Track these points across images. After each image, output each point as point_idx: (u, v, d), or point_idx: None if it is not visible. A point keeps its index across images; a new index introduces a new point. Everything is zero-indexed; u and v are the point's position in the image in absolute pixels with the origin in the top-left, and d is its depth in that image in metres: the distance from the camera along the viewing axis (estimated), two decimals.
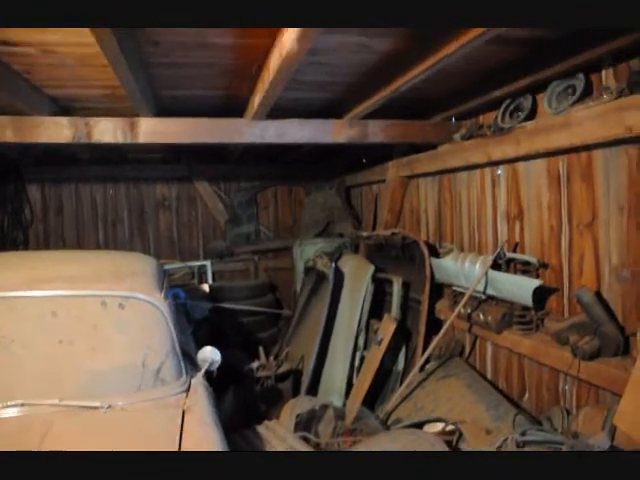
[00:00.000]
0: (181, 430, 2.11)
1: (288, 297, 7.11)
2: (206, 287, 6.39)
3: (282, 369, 4.50)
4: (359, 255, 5.72)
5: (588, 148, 3.23)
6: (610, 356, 3.05)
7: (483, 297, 4.03)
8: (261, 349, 4.71)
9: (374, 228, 6.32)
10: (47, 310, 2.48)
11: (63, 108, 4.13)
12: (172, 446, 1.98)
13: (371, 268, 4.83)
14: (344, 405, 4.17)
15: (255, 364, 4.42)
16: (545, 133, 3.36)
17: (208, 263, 7.04)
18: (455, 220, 4.85)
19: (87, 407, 2.20)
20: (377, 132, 4.31)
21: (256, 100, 3.57)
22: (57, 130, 3.85)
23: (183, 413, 2.28)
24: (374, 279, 4.81)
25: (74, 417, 2.16)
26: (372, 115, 4.11)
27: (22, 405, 2.16)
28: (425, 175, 5.28)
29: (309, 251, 6.47)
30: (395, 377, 4.57)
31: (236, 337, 5.84)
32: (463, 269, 4.12)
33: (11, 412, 2.15)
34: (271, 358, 4.77)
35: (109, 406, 2.23)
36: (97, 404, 2.21)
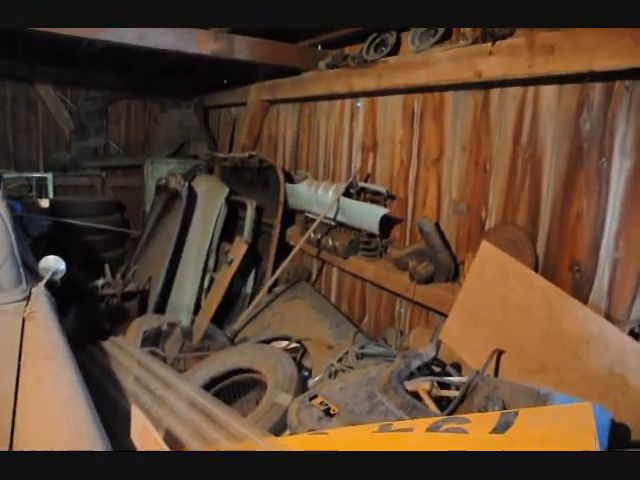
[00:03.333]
0: (21, 336, 2.00)
1: (136, 217, 6.83)
2: (46, 202, 5.94)
3: (129, 288, 4.38)
4: (214, 177, 5.63)
5: (442, 89, 3.42)
6: (442, 281, 3.37)
7: (333, 224, 4.20)
8: (107, 267, 4.52)
9: (230, 152, 6.23)
10: None
11: None
12: (13, 351, 1.86)
13: (225, 190, 4.80)
14: (192, 324, 4.19)
15: (100, 282, 4.25)
16: (405, 69, 3.49)
17: (49, 176, 6.50)
18: (312, 148, 4.93)
19: None
20: (243, 49, 4.19)
21: None
22: None
23: (23, 320, 2.15)
24: (228, 201, 4.79)
25: None
26: (240, 31, 3.98)
27: None
28: (286, 101, 5.28)
29: (161, 171, 6.25)
30: (244, 299, 4.66)
31: (78, 256, 5.54)
32: (316, 196, 4.24)
33: None
34: (117, 276, 4.61)
35: None
36: None
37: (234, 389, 3.25)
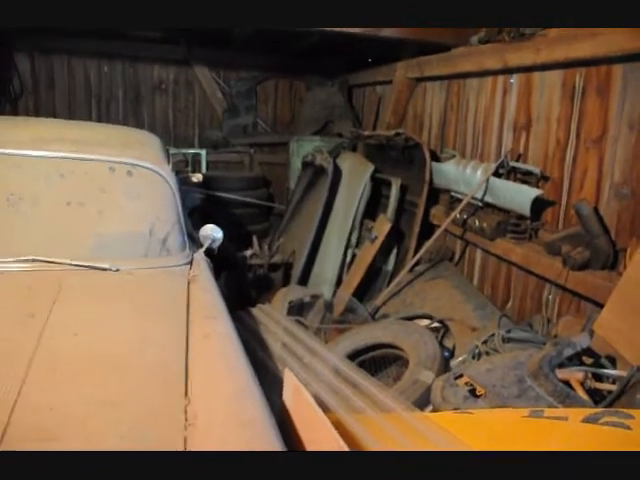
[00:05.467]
0: (188, 296, 2.18)
1: (281, 193, 7.11)
2: (199, 176, 6.35)
3: (274, 259, 4.59)
4: (358, 154, 5.68)
5: (610, 61, 3.17)
6: (598, 269, 3.15)
7: (480, 204, 4.08)
8: (254, 238, 4.77)
9: (374, 130, 6.24)
10: (55, 171, 2.47)
11: None
12: (181, 309, 2.04)
13: (371, 167, 4.84)
14: (333, 297, 4.30)
15: (248, 252, 4.49)
16: (568, 41, 3.27)
17: (203, 152, 6.96)
18: (460, 127, 4.80)
19: (96, 268, 2.24)
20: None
21: None
22: None
23: (188, 283, 2.34)
24: (372, 179, 4.83)
25: (83, 277, 2.20)
26: None
27: (33, 261, 2.19)
28: (434, 79, 5.17)
29: (306, 148, 6.42)
30: (384, 276, 4.69)
31: (227, 227, 5.88)
32: (464, 175, 4.14)
33: (22, 266, 2.18)
34: (265, 247, 4.84)
35: (117, 269, 2.27)
36: (106, 266, 2.25)
37: (374, 363, 3.31)
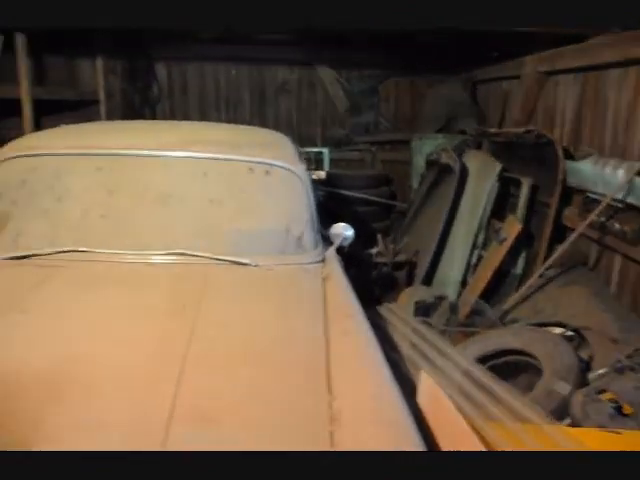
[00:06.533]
0: (324, 293, 2.22)
1: (402, 191, 7.07)
2: (322, 174, 6.47)
3: (399, 258, 4.57)
4: (484, 152, 5.51)
5: None
6: None
7: (620, 206, 3.81)
8: (379, 236, 4.78)
9: (500, 127, 6.03)
10: (199, 170, 2.62)
11: None
12: (318, 305, 2.09)
13: (498, 166, 4.67)
14: (458, 299, 4.21)
15: (374, 250, 4.51)
16: None
17: (326, 150, 7.10)
18: (597, 123, 4.50)
19: (238, 263, 2.35)
20: None
21: None
22: None
23: (323, 280, 2.38)
24: (500, 178, 4.66)
25: (226, 270, 2.32)
26: None
27: (181, 254, 2.34)
28: (567, 72, 4.89)
29: (428, 146, 6.32)
30: (512, 279, 4.51)
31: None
32: (602, 174, 3.89)
33: (172, 259, 2.34)
34: (390, 245, 4.83)
35: (257, 265, 2.37)
36: (247, 261, 2.35)
37: (503, 370, 3.19)
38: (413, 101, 7.89)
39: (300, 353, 1.77)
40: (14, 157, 2.64)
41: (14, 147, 2.75)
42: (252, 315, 1.98)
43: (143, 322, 1.86)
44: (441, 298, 3.93)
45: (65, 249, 2.35)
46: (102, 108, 6.57)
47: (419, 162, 6.26)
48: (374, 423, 1.46)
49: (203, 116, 7.72)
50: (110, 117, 6.55)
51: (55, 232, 2.49)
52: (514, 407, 2.23)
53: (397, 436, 1.41)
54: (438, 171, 5.16)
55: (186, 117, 7.65)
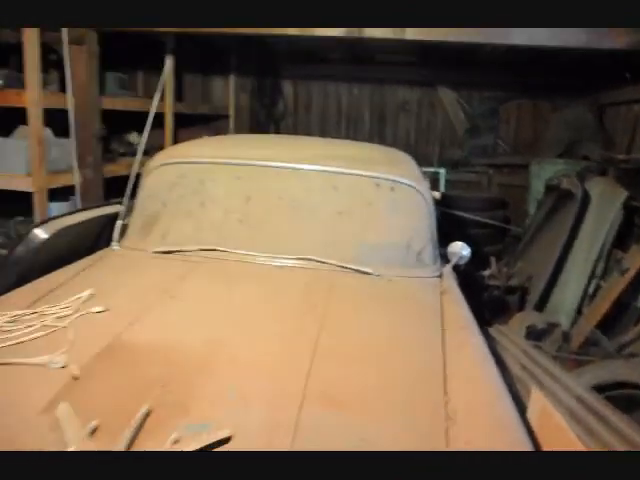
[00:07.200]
0: (441, 306, 2.34)
1: (517, 215, 6.95)
2: (437, 194, 6.50)
3: (511, 282, 4.54)
4: (609, 179, 5.33)
5: None
6: None
7: None
8: (493, 259, 4.77)
9: (630, 153, 5.79)
10: (329, 184, 2.82)
11: None
12: (436, 317, 2.20)
13: (624, 193, 4.52)
14: (572, 327, 4.12)
15: (486, 272, 4.52)
16: None
17: (442, 171, 7.15)
18: None
19: (362, 272, 2.52)
20: None
21: None
22: None
23: (440, 294, 2.50)
24: (625, 206, 4.51)
25: (350, 278, 2.50)
26: None
27: (309, 260, 2.55)
28: None
29: (548, 171, 6.19)
30: (632, 312, 4.33)
31: None
32: None
33: (301, 263, 2.56)
34: (503, 269, 4.81)
35: (379, 275, 2.53)
36: (370, 270, 2.52)
37: (617, 402, 3.11)
38: (535, 124, 7.75)
39: (419, 357, 1.90)
40: (168, 164, 2.98)
41: (167, 155, 3.11)
42: (374, 319, 2.15)
43: (278, 316, 2.08)
44: (554, 325, 3.87)
45: (206, 247, 2.65)
46: (231, 122, 7.11)
47: (537, 187, 6.16)
48: (487, 424, 1.57)
49: (323, 133, 8.03)
50: (238, 131, 7.05)
51: (198, 232, 2.79)
52: (630, 437, 2.20)
53: (509, 437, 1.50)
54: (558, 197, 5.07)
55: (308, 133, 8.00)
